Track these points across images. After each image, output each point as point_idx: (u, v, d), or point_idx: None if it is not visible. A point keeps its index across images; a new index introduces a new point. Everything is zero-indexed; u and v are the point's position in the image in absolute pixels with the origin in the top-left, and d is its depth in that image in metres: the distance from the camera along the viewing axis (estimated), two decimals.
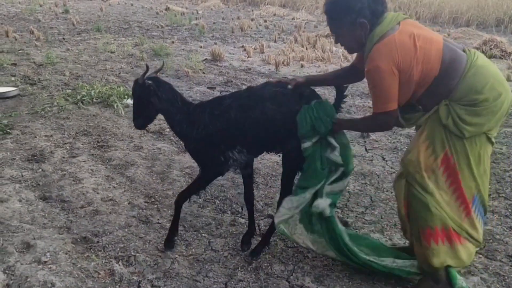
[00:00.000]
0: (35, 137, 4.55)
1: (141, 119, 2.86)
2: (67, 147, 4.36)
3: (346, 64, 8.21)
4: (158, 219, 3.22)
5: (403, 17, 2.29)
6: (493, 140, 2.29)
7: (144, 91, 2.74)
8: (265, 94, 2.64)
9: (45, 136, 4.60)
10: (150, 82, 2.73)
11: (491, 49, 8.88)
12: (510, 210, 3.39)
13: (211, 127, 2.70)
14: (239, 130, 2.66)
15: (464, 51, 2.25)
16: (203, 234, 3.06)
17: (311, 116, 2.52)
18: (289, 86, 2.61)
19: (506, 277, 2.67)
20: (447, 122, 2.20)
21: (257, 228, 3.12)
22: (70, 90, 6.11)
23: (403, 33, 2.19)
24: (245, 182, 2.99)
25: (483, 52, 8.83)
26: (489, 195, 3.59)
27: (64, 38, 9.93)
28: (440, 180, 2.27)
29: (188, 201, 3.05)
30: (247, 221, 3.02)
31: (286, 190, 2.74)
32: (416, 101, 2.30)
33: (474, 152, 2.23)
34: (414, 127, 2.48)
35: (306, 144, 2.55)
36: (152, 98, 2.74)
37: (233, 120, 2.66)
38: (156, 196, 3.54)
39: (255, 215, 3.12)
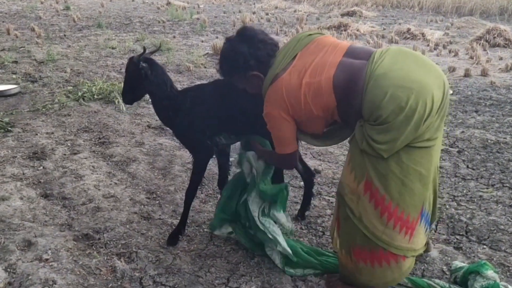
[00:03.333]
0: (36, 134, 4.55)
1: (130, 96, 2.92)
2: (68, 144, 4.35)
3: None
4: (160, 215, 3.21)
5: (305, 43, 2.17)
6: (430, 144, 2.04)
7: (137, 71, 2.76)
8: None
9: (46, 133, 4.59)
10: (144, 65, 2.74)
11: (494, 38, 8.80)
12: None
13: (193, 113, 2.74)
14: (219, 116, 2.68)
15: (371, 55, 2.06)
16: (205, 229, 3.05)
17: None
18: None
19: (510, 268, 2.64)
20: (363, 146, 2.03)
21: None
22: (71, 87, 6.10)
23: (294, 72, 2.11)
24: (221, 169, 3.07)
25: (486, 41, 8.76)
26: (493, 185, 3.58)
27: (65, 35, 9.91)
28: (367, 206, 2.10)
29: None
30: None
31: (277, 177, 2.76)
32: (341, 121, 2.20)
33: (406, 170, 2.02)
34: None
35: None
36: (143, 80, 2.76)
37: (213, 106, 2.69)
38: (158, 192, 3.52)
39: None
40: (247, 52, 2.18)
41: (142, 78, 2.75)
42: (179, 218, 2.98)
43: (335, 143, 2.43)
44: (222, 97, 2.70)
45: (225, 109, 2.68)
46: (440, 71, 2.10)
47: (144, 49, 2.82)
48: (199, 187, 3.04)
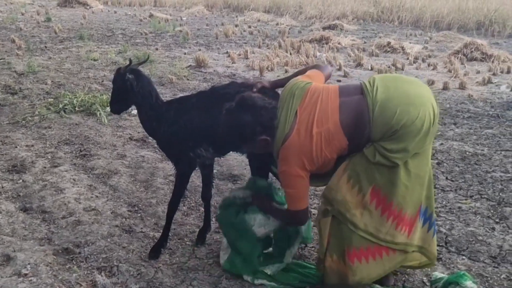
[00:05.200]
0: (16, 147, 4.48)
1: (117, 106, 3.01)
2: (49, 157, 4.30)
3: None
4: (141, 228, 3.19)
5: (300, 96, 2.25)
6: (428, 147, 2.23)
7: (123, 82, 2.82)
8: (226, 93, 2.67)
9: (26, 146, 4.53)
10: (130, 76, 2.80)
11: (472, 52, 8.99)
12: (492, 211, 3.42)
13: (176, 125, 2.77)
14: (202, 128, 2.70)
15: (363, 87, 2.20)
16: (187, 242, 3.04)
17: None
18: (254, 89, 2.60)
19: (489, 278, 2.68)
20: (377, 159, 2.16)
21: None
22: (52, 99, 6.05)
23: (301, 127, 2.19)
24: (204, 181, 3.06)
25: (464, 55, 8.96)
26: (471, 196, 3.65)
27: (46, 47, 9.83)
28: (373, 213, 2.25)
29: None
30: None
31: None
32: (349, 153, 2.29)
33: (409, 175, 2.19)
34: None
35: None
36: (129, 91, 2.82)
37: (196, 118, 2.72)
38: (140, 205, 3.50)
39: None
40: (252, 121, 2.25)
41: (128, 89, 2.81)
42: (161, 231, 2.97)
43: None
44: (205, 109, 2.73)
45: (207, 121, 2.70)
46: (422, 83, 2.29)
47: (130, 60, 2.88)
48: (181, 199, 3.04)
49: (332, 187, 2.31)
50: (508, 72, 7.92)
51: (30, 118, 5.31)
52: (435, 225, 2.43)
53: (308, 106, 2.23)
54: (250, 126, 2.25)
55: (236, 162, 4.32)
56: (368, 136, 2.17)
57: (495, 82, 7.29)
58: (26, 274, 2.62)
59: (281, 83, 2.75)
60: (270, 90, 2.67)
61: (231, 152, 3.07)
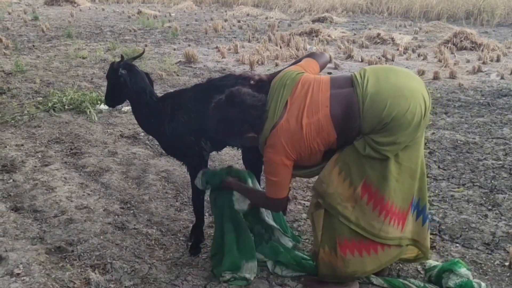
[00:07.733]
0: (5, 147, 4.43)
1: (111, 100, 3.00)
2: (39, 156, 4.26)
3: None
4: (134, 225, 3.16)
5: (291, 87, 2.23)
6: (419, 140, 2.19)
7: (116, 77, 2.79)
8: (223, 86, 2.63)
9: (16, 145, 4.49)
10: (123, 71, 2.76)
11: (461, 41, 9.01)
12: (484, 198, 3.43)
13: (175, 120, 2.72)
14: (200, 122, 2.65)
15: (353, 79, 2.17)
16: (181, 238, 3.02)
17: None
18: (251, 82, 2.56)
19: (483, 265, 2.70)
20: (367, 152, 2.13)
21: None
22: (41, 98, 5.99)
23: (290, 117, 2.18)
24: None
25: (454, 44, 8.98)
26: (464, 184, 3.66)
27: (34, 45, 9.73)
28: (365, 208, 2.22)
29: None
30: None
31: None
32: (338, 147, 2.26)
33: (400, 168, 2.17)
34: None
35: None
36: (121, 87, 2.79)
37: (193, 112, 2.68)
38: (132, 202, 3.48)
39: None
40: (240, 118, 2.22)
41: (121, 85, 2.77)
42: (154, 227, 2.96)
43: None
44: (202, 102, 2.67)
45: (205, 115, 2.65)
46: (415, 75, 2.25)
47: (122, 57, 2.85)
48: (177, 195, 3.02)
49: (323, 180, 2.28)
50: (498, 60, 7.95)
51: (19, 118, 5.26)
52: (429, 217, 2.41)
53: (298, 96, 2.21)
54: (237, 124, 2.24)
55: (228, 156, 4.30)
56: (358, 129, 2.14)
57: (485, 71, 7.32)
58: (18, 274, 2.59)
59: None
60: (267, 83, 2.64)
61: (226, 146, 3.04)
